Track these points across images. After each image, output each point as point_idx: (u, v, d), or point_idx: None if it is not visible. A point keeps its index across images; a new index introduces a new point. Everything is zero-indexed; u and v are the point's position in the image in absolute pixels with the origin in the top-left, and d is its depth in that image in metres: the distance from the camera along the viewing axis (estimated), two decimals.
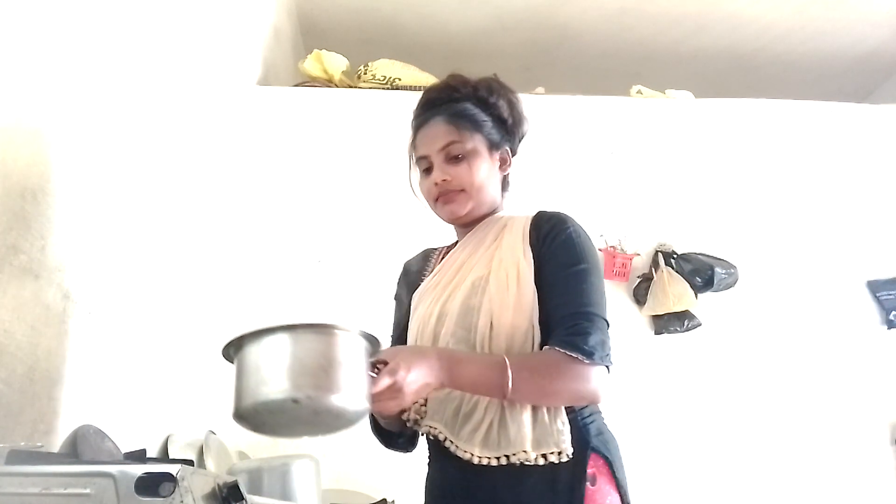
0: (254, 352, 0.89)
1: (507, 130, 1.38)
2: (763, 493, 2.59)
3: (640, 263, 2.80)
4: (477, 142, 1.31)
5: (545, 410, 1.14)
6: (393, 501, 2.12)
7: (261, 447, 2.39)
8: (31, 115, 1.25)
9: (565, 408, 1.16)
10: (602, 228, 2.81)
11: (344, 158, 2.82)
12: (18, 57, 1.20)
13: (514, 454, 1.12)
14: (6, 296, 1.16)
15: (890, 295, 2.82)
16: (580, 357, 1.11)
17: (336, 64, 3.06)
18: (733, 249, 2.81)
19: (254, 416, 0.91)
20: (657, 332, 2.73)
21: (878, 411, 2.72)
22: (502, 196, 1.40)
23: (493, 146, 1.34)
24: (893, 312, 2.80)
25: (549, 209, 1.31)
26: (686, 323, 2.70)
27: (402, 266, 1.52)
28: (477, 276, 1.24)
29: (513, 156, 1.40)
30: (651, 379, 2.68)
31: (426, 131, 1.34)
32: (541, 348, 1.17)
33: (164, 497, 0.76)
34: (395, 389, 1.03)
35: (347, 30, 3.72)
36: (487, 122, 1.34)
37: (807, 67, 4.02)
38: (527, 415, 1.14)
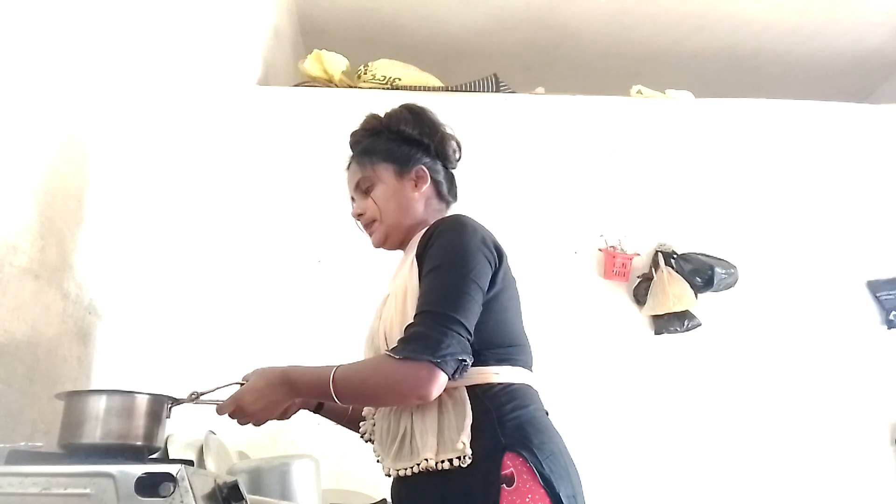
0: (71, 405, 1.14)
1: (420, 147, 1.41)
2: (763, 494, 2.59)
3: (640, 263, 2.80)
4: (381, 171, 1.38)
5: (450, 416, 1.15)
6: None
7: (261, 447, 2.39)
8: (31, 115, 1.25)
9: (480, 408, 1.15)
10: (602, 228, 2.81)
11: (344, 159, 2.81)
12: (17, 57, 1.20)
13: (418, 463, 1.15)
14: (6, 296, 1.16)
15: (890, 295, 2.82)
16: (392, 354, 1.13)
17: (336, 64, 3.05)
18: (733, 249, 2.81)
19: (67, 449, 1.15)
20: (657, 332, 2.73)
21: (878, 411, 2.71)
22: (436, 208, 1.42)
23: (401, 169, 1.38)
24: (893, 312, 2.80)
25: (451, 215, 1.32)
26: (686, 323, 2.70)
27: None
28: (383, 299, 1.32)
29: (445, 164, 1.44)
30: (651, 379, 2.68)
31: (347, 175, 1.47)
32: None
33: (164, 497, 0.76)
34: (238, 411, 1.22)
35: (347, 30, 3.72)
36: (391, 147, 1.39)
37: (807, 67, 4.02)
38: (432, 422, 1.16)
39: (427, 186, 1.39)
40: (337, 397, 1.16)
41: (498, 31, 3.74)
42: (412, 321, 1.16)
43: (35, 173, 1.25)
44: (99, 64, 1.50)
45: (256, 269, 2.67)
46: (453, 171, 1.48)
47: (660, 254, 2.78)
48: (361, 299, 1.61)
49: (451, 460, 1.12)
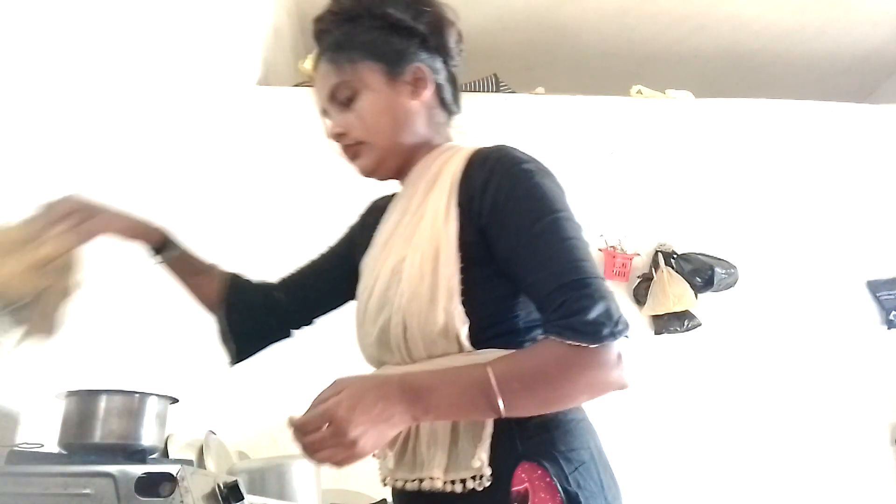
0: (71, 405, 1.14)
1: (415, 37, 1.05)
2: (763, 494, 2.59)
3: (640, 263, 2.80)
4: (364, 73, 1.01)
5: (467, 421, 0.89)
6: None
7: (261, 447, 2.39)
8: (30, 115, 1.25)
9: None
10: (602, 228, 2.81)
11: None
12: (20, 56, 1.20)
13: (420, 479, 0.91)
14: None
15: (890, 295, 2.82)
16: (584, 342, 0.83)
17: None
18: (733, 249, 2.81)
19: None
20: (657, 332, 2.73)
21: (878, 411, 2.72)
22: (440, 121, 1.09)
23: (393, 70, 1.02)
24: (893, 312, 2.80)
25: (487, 145, 1.00)
26: (686, 323, 2.70)
27: (370, 204, 1.23)
28: (397, 260, 0.96)
29: (447, 60, 1.11)
30: (651, 379, 2.68)
31: (316, 78, 1.06)
32: (469, 339, 0.90)
33: (164, 497, 0.76)
34: (336, 440, 0.83)
35: None
36: (377, 39, 1.02)
37: (807, 67, 4.02)
38: (444, 427, 0.90)
39: (429, 93, 1.05)
40: (507, 410, 0.83)
41: (498, 31, 3.74)
42: (572, 292, 0.84)
43: (34, 173, 1.25)
44: (99, 63, 1.50)
45: (256, 269, 2.66)
46: (455, 71, 1.12)
47: (660, 254, 2.78)
48: None
49: (463, 481, 0.88)
